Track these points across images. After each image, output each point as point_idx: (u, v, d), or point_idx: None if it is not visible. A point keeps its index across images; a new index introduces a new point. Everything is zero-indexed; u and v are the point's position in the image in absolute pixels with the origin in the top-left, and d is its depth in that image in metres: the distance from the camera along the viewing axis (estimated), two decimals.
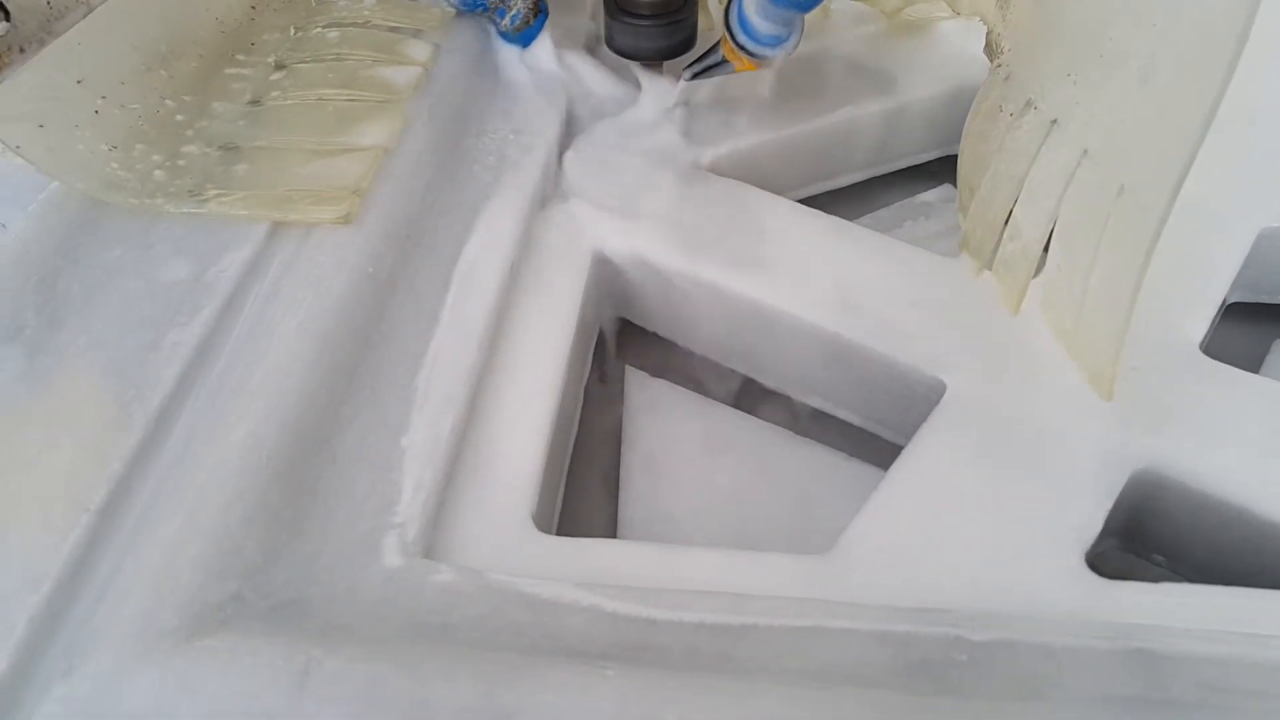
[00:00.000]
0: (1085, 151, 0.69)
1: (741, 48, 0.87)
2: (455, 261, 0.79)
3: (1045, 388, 0.73)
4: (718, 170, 0.93)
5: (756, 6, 0.85)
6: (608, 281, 0.88)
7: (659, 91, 0.99)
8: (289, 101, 0.85)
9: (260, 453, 0.61)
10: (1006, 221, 0.79)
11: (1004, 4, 0.85)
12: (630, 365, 0.90)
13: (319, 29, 0.93)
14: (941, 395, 0.73)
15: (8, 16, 0.73)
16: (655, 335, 0.92)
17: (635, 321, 0.92)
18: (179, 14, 0.86)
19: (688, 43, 0.99)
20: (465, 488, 0.67)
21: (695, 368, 0.89)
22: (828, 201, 1.02)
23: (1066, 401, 0.72)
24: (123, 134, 0.79)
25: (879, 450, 0.80)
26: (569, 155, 0.92)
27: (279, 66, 0.89)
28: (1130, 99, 0.65)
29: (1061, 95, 0.71)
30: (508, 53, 1.00)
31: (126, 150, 0.79)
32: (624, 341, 0.93)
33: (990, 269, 0.82)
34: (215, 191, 0.77)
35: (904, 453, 0.71)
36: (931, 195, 1.05)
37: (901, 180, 1.07)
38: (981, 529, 0.66)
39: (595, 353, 0.90)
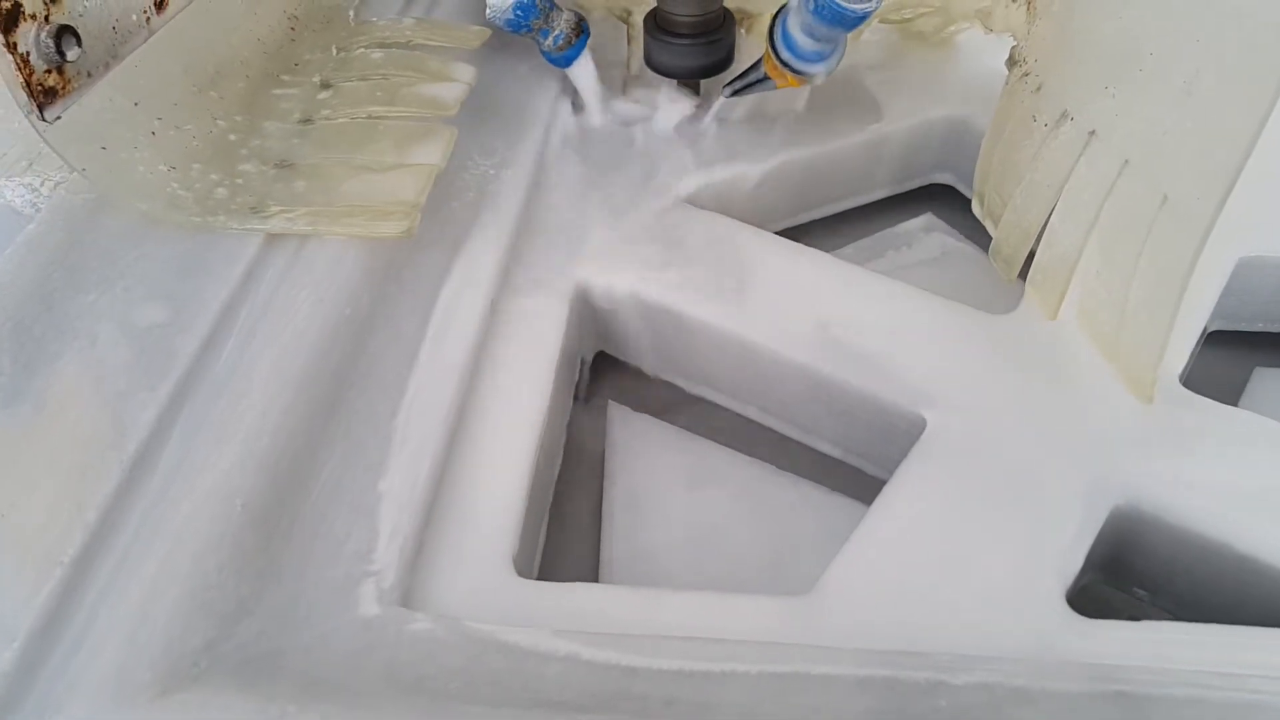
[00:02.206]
0: (1126, 162, 0.59)
1: (785, 64, 0.73)
2: (435, 299, 0.65)
3: (1025, 423, 0.61)
4: (697, 203, 0.78)
5: (801, 24, 0.71)
6: (589, 316, 0.73)
7: (669, 113, 0.83)
8: (340, 120, 0.72)
9: (235, 499, 0.49)
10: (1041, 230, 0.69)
11: (1031, 19, 0.74)
12: (612, 400, 0.74)
13: (361, 49, 0.79)
14: (921, 431, 0.61)
15: (79, 42, 0.61)
16: (638, 369, 0.76)
17: (616, 355, 0.77)
18: (225, 36, 0.72)
19: (725, 61, 0.84)
20: (444, 531, 0.55)
21: (677, 401, 0.74)
22: (807, 232, 0.86)
23: (1047, 437, 0.60)
24: (179, 154, 0.66)
25: (862, 484, 0.67)
26: (551, 187, 0.77)
27: (325, 86, 0.75)
28: (1173, 111, 0.55)
29: (1099, 107, 0.61)
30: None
31: (184, 170, 0.66)
32: (605, 374, 0.78)
33: (1020, 277, 0.69)
34: (277, 208, 0.64)
35: (884, 491, 0.58)
36: (913, 225, 0.88)
37: (881, 210, 0.89)
38: (962, 568, 0.54)
39: (577, 386, 0.75)
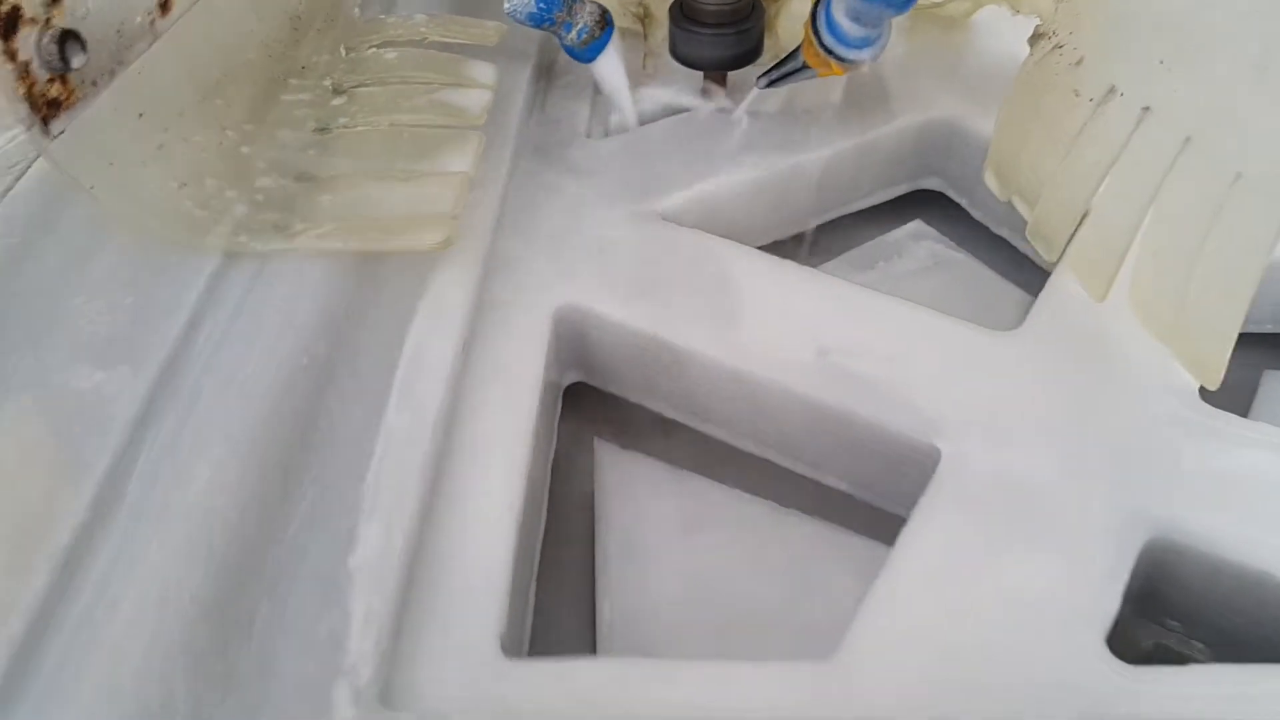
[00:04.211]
0: (1189, 139, 0.52)
1: (829, 52, 0.64)
2: (402, 341, 0.54)
3: (1045, 450, 0.52)
4: (676, 219, 0.68)
5: (845, 9, 0.62)
6: (567, 345, 0.63)
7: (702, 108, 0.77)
8: (360, 128, 0.63)
9: (183, 592, 0.39)
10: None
11: None
12: (598, 437, 0.64)
13: (372, 49, 0.69)
14: (937, 463, 0.52)
15: (84, 48, 0.51)
16: (624, 400, 0.65)
17: (599, 386, 0.66)
18: (225, 38, 0.63)
19: (754, 52, 0.75)
20: (424, 612, 0.45)
21: (667, 435, 0.64)
22: (792, 247, 0.76)
23: (1070, 464, 0.51)
24: (190, 169, 0.57)
25: (873, 521, 0.57)
26: (526, 205, 0.68)
27: (338, 91, 0.66)
28: (1244, 87, 0.49)
29: (1153, 82, 0.54)
30: None
31: (198, 186, 0.57)
32: (587, 406, 0.66)
33: (1062, 258, 0.62)
34: (303, 225, 0.56)
35: (902, 535, 0.49)
36: (902, 233, 0.78)
37: (868, 219, 0.80)
38: (994, 617, 0.45)
39: (558, 423, 0.65)
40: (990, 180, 0.69)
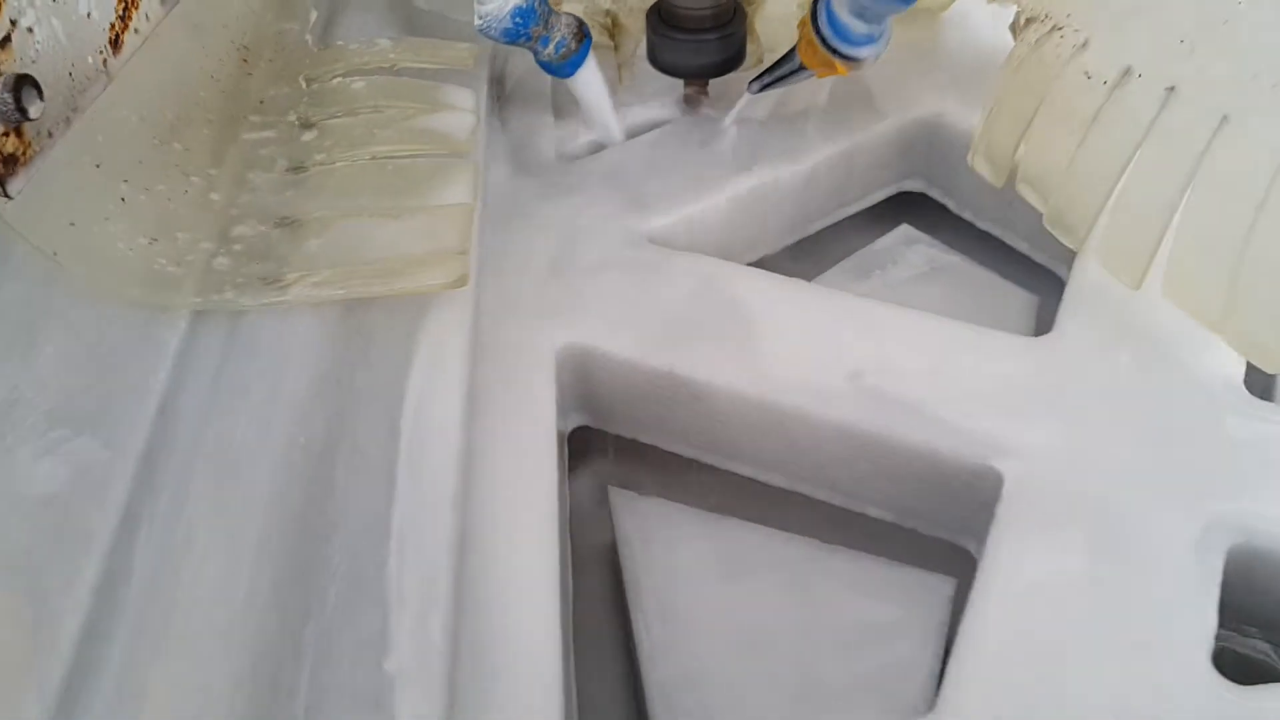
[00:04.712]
0: (1225, 118, 0.49)
1: (834, 51, 0.60)
2: (400, 400, 0.47)
3: (1110, 464, 0.48)
4: (666, 240, 0.64)
5: (849, 6, 0.58)
6: (570, 387, 0.57)
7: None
8: (339, 164, 0.57)
9: None
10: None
11: None
12: (612, 484, 0.57)
13: (337, 79, 0.63)
14: (999, 487, 0.48)
15: (41, 95, 0.45)
16: (634, 442, 0.60)
17: (604, 428, 0.61)
18: (173, 74, 0.57)
19: (738, 58, 0.71)
20: (475, 713, 0.39)
21: (686, 476, 0.58)
22: (777, 262, 0.72)
23: (1140, 474, 0.48)
24: (158, 222, 0.51)
25: (925, 550, 0.53)
26: (516, 235, 0.62)
27: (305, 125, 0.60)
28: None
29: (1176, 61, 0.52)
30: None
31: (169, 241, 0.50)
32: (593, 450, 0.60)
33: (1086, 248, 0.59)
34: (295, 274, 0.49)
35: (981, 573, 0.45)
36: (891, 239, 0.74)
37: (852, 226, 0.76)
38: (1095, 649, 0.42)
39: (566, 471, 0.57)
40: (982, 167, 0.66)
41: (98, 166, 0.50)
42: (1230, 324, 0.52)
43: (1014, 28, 0.72)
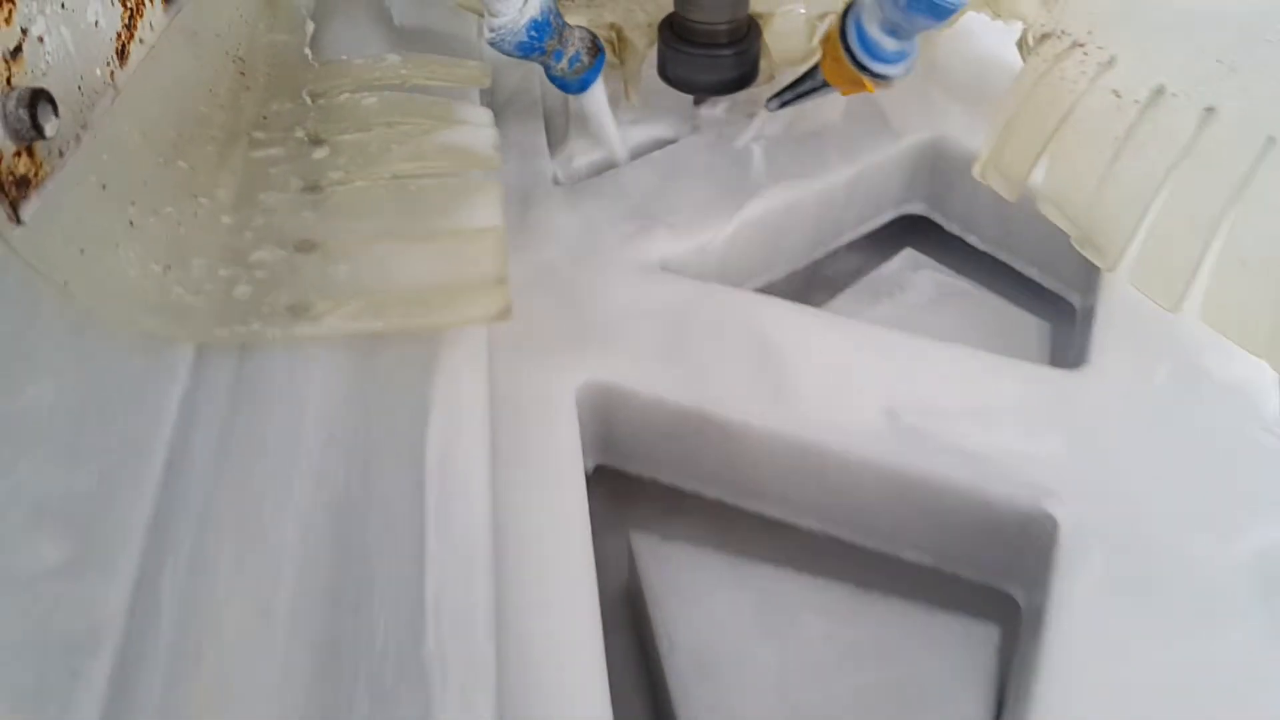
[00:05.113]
0: (1271, 139, 0.49)
1: (863, 68, 0.59)
2: (422, 451, 0.43)
3: (1169, 504, 0.47)
4: (679, 267, 0.61)
5: (880, 22, 0.57)
6: (590, 426, 0.54)
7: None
8: (358, 183, 0.53)
9: None
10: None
11: (1049, 1, 0.68)
12: (634, 530, 0.54)
13: (346, 94, 0.60)
14: (1054, 533, 0.46)
15: (56, 110, 0.40)
16: (655, 481, 0.58)
17: (623, 468, 0.58)
18: (173, 87, 0.53)
19: (752, 74, 0.69)
20: None
21: (712, 520, 0.56)
22: (785, 288, 0.71)
23: (1200, 516, 0.47)
24: (170, 248, 0.47)
25: (965, 595, 0.50)
26: (527, 262, 0.59)
27: (315, 141, 0.56)
28: None
29: (1214, 81, 0.51)
30: None
31: (183, 268, 0.46)
32: (613, 493, 0.57)
33: (1118, 269, 0.57)
34: (325, 304, 0.46)
35: (1049, 631, 0.43)
36: (896, 265, 0.72)
37: (854, 252, 0.74)
38: (1181, 706, 0.41)
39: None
40: (995, 182, 0.65)
41: (104, 188, 0.46)
42: (1272, 350, 0.52)
43: (1022, 44, 0.71)
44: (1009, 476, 0.48)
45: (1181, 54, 0.54)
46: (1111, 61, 0.59)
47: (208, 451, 0.41)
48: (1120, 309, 0.58)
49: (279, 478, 0.40)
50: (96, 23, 0.45)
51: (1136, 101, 0.56)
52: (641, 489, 0.57)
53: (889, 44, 0.57)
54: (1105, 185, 0.58)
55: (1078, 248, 0.60)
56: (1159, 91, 0.56)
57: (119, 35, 0.47)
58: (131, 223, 0.47)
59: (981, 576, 0.52)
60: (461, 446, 0.44)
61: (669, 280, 0.59)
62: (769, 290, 0.67)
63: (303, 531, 0.38)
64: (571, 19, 0.67)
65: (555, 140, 0.72)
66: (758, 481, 0.54)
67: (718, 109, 0.72)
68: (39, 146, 0.40)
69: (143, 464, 0.39)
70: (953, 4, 0.53)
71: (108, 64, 0.46)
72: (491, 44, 0.59)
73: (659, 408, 0.53)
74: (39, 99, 0.39)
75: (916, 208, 0.77)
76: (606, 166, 0.70)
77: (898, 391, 0.52)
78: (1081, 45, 0.61)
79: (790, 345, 0.55)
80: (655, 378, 0.53)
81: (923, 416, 0.51)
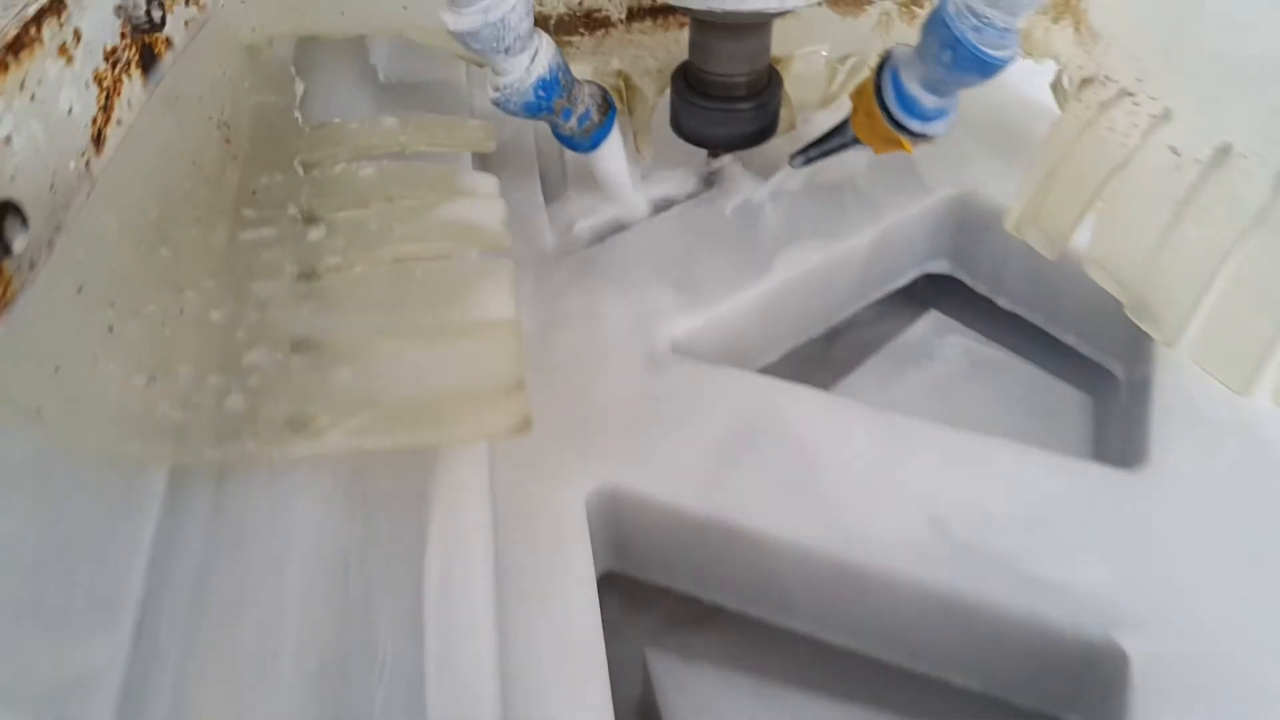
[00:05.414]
0: None
1: (901, 127, 0.55)
2: (420, 588, 0.38)
3: (1248, 632, 0.43)
4: (690, 348, 0.57)
5: (922, 79, 0.53)
6: (600, 534, 0.50)
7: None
8: (357, 268, 0.49)
9: None
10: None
11: (1088, 40, 0.63)
12: (650, 647, 0.49)
13: (341, 164, 0.55)
14: (1124, 666, 0.41)
15: (25, 222, 0.36)
16: (670, 590, 0.53)
17: (633, 573, 0.53)
18: (153, 165, 0.48)
19: (772, 128, 0.64)
20: None
21: (735, 635, 0.50)
22: (804, 356, 0.66)
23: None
24: (155, 354, 0.42)
25: None
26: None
27: (310, 219, 0.51)
28: None
29: None
30: None
31: (169, 378, 0.42)
32: (623, 599, 0.52)
33: (1177, 343, 0.54)
34: (328, 417, 0.41)
35: None
36: (921, 329, 0.68)
37: (876, 315, 0.69)
38: None
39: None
40: (1033, 236, 0.61)
41: (80, 291, 0.41)
42: None
43: (1056, 87, 0.67)
44: (1070, 601, 0.44)
45: (1252, 111, 0.50)
46: (1167, 115, 0.55)
47: (182, 609, 0.36)
48: (1179, 390, 0.53)
49: (262, 641, 0.36)
50: (70, 110, 0.40)
51: (1198, 161, 0.52)
52: (657, 597, 0.52)
53: (929, 101, 0.52)
54: (1163, 250, 0.54)
55: (1131, 316, 0.56)
56: (1224, 151, 0.52)
57: (94, 121, 0.43)
58: (111, 328, 0.42)
59: (1035, 704, 0.47)
60: (463, 580, 0.39)
61: (682, 366, 0.54)
62: (789, 358, 0.64)
63: (291, 693, 0.34)
64: (575, 67, 0.63)
65: (552, 198, 0.67)
66: (788, 596, 0.49)
67: (733, 162, 0.66)
68: (7, 263, 0.35)
69: (111, 629, 0.35)
70: (1002, 60, 0.49)
71: (83, 154, 0.42)
72: (496, 104, 0.54)
73: (676, 516, 0.48)
74: (6, 213, 0.35)
75: (940, 266, 0.73)
76: (610, 229, 0.65)
77: (943, 498, 0.48)
78: (1131, 94, 0.57)
79: (823, 443, 0.50)
80: (671, 482, 0.48)
81: (972, 528, 0.46)
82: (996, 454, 0.50)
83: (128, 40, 0.46)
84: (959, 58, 0.48)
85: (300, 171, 0.54)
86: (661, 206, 0.66)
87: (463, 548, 0.40)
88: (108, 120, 0.44)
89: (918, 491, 0.47)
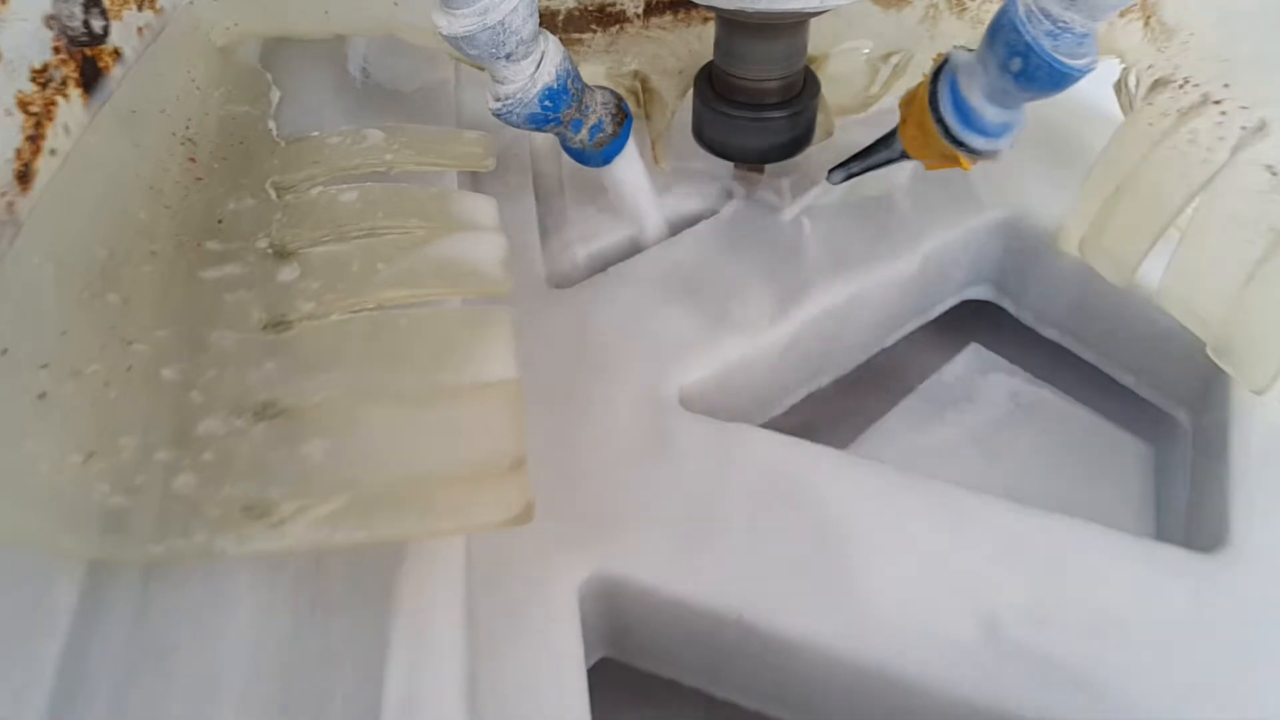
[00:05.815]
0: None
1: (958, 142, 0.47)
2: (377, 708, 0.31)
3: None
4: (700, 394, 0.50)
5: (985, 90, 0.45)
6: (594, 625, 0.44)
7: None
8: (333, 317, 0.42)
9: None
10: None
11: (1160, 36, 0.56)
12: None
13: (318, 187, 0.48)
14: None
15: None
16: (675, 683, 0.46)
17: (638, 664, 0.47)
18: (99, 192, 0.42)
19: (807, 138, 0.57)
20: None
21: None
22: (831, 396, 0.59)
23: None
24: (93, 425, 0.36)
25: None
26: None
27: (281, 255, 0.45)
28: None
29: None
30: None
31: (110, 453, 0.35)
32: (623, 691, 0.45)
33: (1269, 391, 0.47)
34: (295, 503, 0.34)
35: None
36: (961, 364, 0.61)
37: (909, 345, 0.62)
38: None
39: None
40: (1100, 262, 0.55)
41: (3, 354, 0.35)
42: None
43: (1120, 88, 0.60)
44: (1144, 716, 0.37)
45: None
46: (1263, 127, 0.48)
47: None
48: (1263, 450, 0.46)
49: None
50: None
51: None
52: (657, 690, 0.46)
53: (991, 114, 0.46)
54: (1256, 286, 0.47)
55: (1214, 358, 0.50)
56: None
57: (18, 154, 0.36)
58: (43, 395, 0.36)
59: None
60: (431, 698, 0.33)
61: (692, 426, 0.47)
62: (812, 401, 0.57)
63: None
64: (587, 68, 0.56)
65: (546, 215, 0.60)
66: (805, 698, 0.43)
67: (763, 173, 0.60)
68: None
69: None
70: (1080, 71, 0.42)
71: (3, 195, 0.35)
72: (496, 115, 0.48)
73: (682, 610, 0.42)
74: None
75: (981, 291, 0.65)
76: (615, 253, 0.59)
77: (997, 590, 0.41)
78: (1217, 102, 0.50)
79: (855, 523, 0.43)
80: (676, 569, 0.42)
81: (1029, 629, 0.40)
82: (1059, 535, 0.43)
83: (63, 55, 0.39)
84: (1030, 67, 0.41)
85: (273, 195, 0.47)
86: (679, 225, 0.59)
87: (430, 658, 0.34)
88: (36, 152, 0.37)
89: (965, 580, 0.41)
